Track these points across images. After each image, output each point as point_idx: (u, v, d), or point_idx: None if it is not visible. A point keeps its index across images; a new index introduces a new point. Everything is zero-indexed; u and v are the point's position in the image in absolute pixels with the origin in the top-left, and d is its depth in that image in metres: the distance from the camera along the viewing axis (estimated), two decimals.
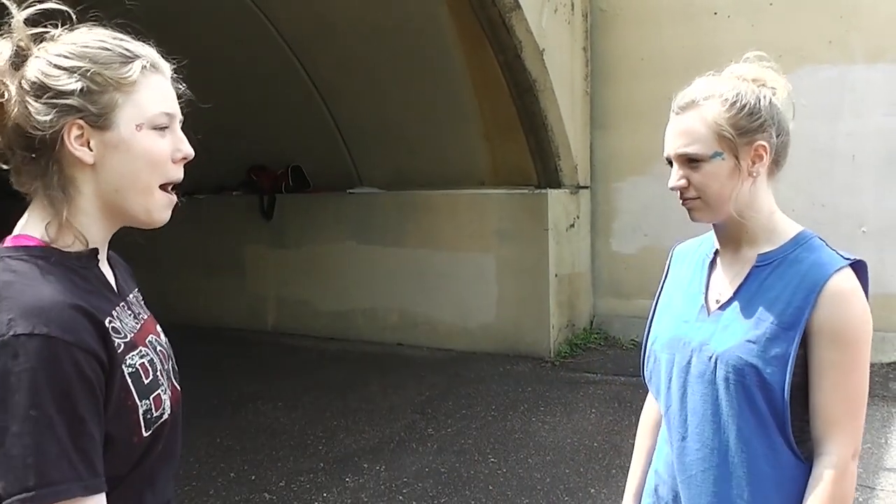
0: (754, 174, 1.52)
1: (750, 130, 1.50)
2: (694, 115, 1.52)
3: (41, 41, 1.19)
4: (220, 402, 6.00)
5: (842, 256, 1.50)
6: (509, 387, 6.13)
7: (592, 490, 4.23)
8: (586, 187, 7.46)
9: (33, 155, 1.17)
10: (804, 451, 1.49)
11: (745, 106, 1.50)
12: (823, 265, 1.47)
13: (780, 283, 1.50)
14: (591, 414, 5.46)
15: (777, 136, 1.53)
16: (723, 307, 1.57)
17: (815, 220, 6.49)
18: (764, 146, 1.51)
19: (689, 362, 1.58)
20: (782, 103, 1.56)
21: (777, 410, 1.46)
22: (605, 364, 6.67)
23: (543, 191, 6.92)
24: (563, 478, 4.41)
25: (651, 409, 1.86)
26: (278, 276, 8.46)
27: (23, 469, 1.02)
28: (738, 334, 1.51)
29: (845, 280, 1.46)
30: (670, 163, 1.57)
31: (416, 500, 4.19)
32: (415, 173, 7.51)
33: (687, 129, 1.52)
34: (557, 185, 7.03)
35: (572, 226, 7.22)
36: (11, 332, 1.04)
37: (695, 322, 1.60)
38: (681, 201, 1.56)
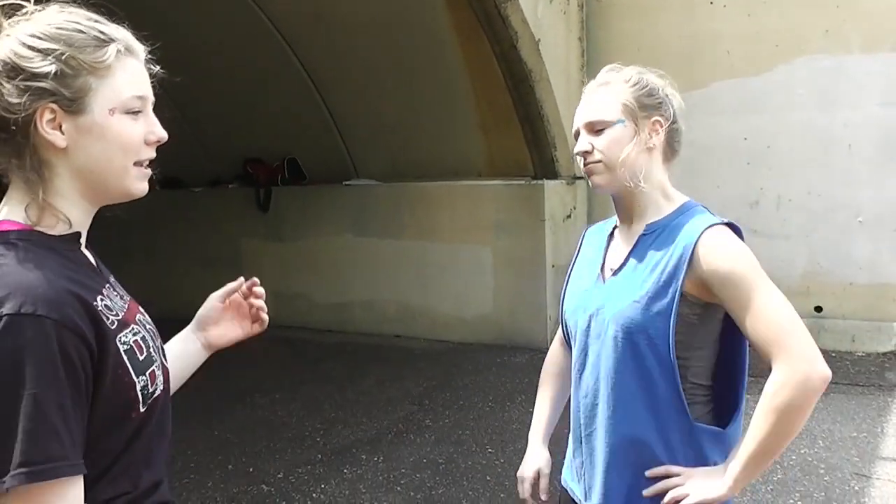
0: (650, 145, 1.69)
1: (649, 106, 1.69)
2: (604, 90, 1.72)
3: (11, 16, 1.17)
4: (217, 395, 5.99)
5: (719, 219, 1.64)
6: (506, 377, 6.14)
7: None
8: (582, 178, 7.41)
9: (5, 135, 1.15)
10: (694, 412, 1.62)
11: (646, 86, 1.71)
12: (696, 225, 1.61)
13: (664, 246, 1.64)
14: None
15: (671, 121, 1.72)
16: (614, 273, 1.73)
17: (812, 209, 6.51)
18: (660, 121, 1.70)
19: (588, 326, 1.73)
20: (677, 107, 1.75)
21: (665, 365, 1.60)
22: None
23: (540, 182, 6.92)
24: (561, 467, 4.41)
25: (554, 357, 2.05)
26: (275, 268, 8.45)
27: (11, 448, 1.03)
28: (625, 296, 1.65)
29: (715, 232, 1.59)
30: (577, 136, 1.74)
31: (413, 490, 4.20)
32: (411, 165, 7.50)
33: (598, 100, 1.72)
34: (554, 175, 7.02)
35: (569, 216, 7.22)
36: None
37: (592, 290, 1.76)
38: (583, 167, 1.73)
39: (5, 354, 1.04)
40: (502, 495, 4.11)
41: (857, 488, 4.00)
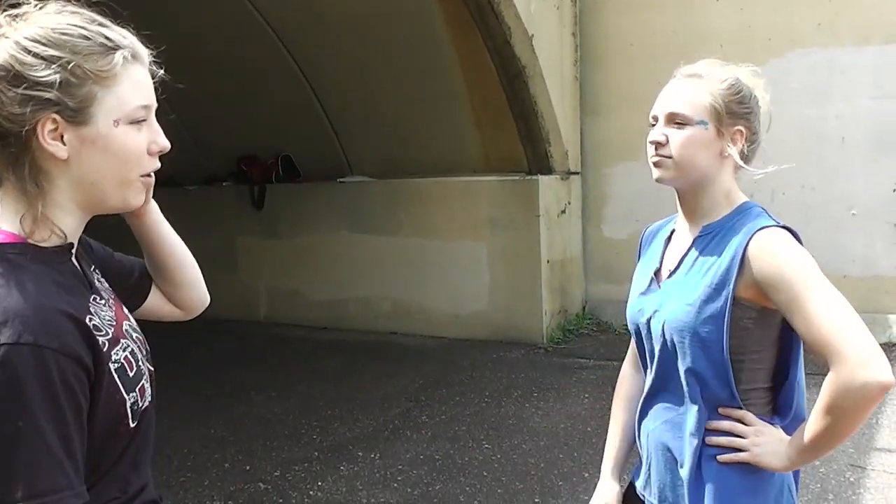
0: (726, 154, 1.63)
1: (736, 114, 1.62)
2: (695, 83, 1.64)
3: (4, 12, 1.12)
4: (213, 393, 6.00)
5: (774, 220, 1.59)
6: (502, 373, 6.15)
7: (587, 474, 4.26)
8: (577, 173, 7.46)
9: (4, 144, 1.11)
10: (750, 411, 1.60)
11: (740, 91, 1.63)
12: (749, 228, 1.57)
13: (718, 249, 1.60)
14: (584, 399, 5.48)
15: (753, 133, 1.65)
16: (670, 276, 1.70)
17: (805, 203, 6.53)
18: (742, 132, 1.63)
19: (648, 330, 1.71)
20: (763, 113, 1.69)
21: (718, 368, 1.57)
22: (597, 349, 6.70)
23: (534, 177, 6.92)
24: (557, 462, 4.43)
25: (623, 381, 1.98)
26: (270, 266, 8.45)
27: (14, 480, 1.01)
28: (679, 300, 1.62)
29: (768, 233, 1.54)
30: (655, 121, 1.67)
31: (410, 487, 4.20)
32: (405, 161, 7.50)
33: (685, 92, 1.63)
34: (548, 171, 7.03)
35: (563, 212, 7.22)
36: None
37: (648, 293, 1.74)
38: (653, 155, 1.66)
39: (6, 385, 1.01)
40: (499, 491, 4.11)
41: (852, 479, 4.01)
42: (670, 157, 1.63)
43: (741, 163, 1.64)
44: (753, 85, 1.67)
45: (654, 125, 1.67)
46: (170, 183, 8.71)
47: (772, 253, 1.52)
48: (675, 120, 1.62)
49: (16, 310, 1.04)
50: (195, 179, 8.76)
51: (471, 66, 6.68)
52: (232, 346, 7.55)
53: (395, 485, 4.24)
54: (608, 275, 7.54)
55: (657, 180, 1.67)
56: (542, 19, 6.64)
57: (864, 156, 6.44)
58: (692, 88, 1.63)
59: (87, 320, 1.13)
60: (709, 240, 1.64)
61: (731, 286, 1.54)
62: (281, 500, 4.12)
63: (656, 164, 1.65)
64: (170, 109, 1.31)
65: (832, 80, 6.47)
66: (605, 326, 7.36)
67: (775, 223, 1.58)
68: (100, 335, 1.14)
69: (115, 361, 1.16)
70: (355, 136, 7.78)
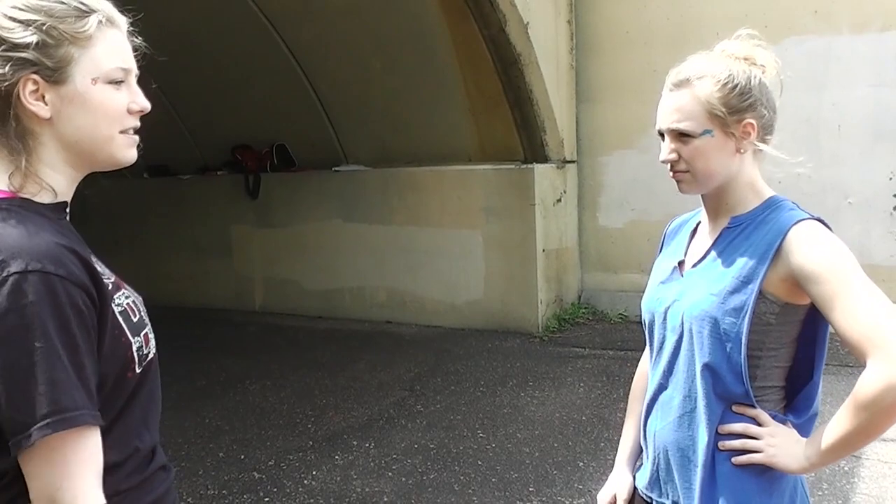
0: (742, 150, 1.59)
1: (740, 109, 1.56)
2: (687, 93, 1.58)
3: None
4: (208, 382, 5.99)
5: (808, 214, 1.56)
6: (498, 362, 6.15)
7: (581, 463, 4.26)
8: (573, 161, 7.44)
9: None
10: (764, 408, 1.57)
11: (736, 86, 1.56)
12: (784, 221, 1.54)
13: (747, 242, 1.57)
14: (579, 388, 5.48)
15: (764, 115, 1.60)
16: (693, 266, 1.67)
17: (801, 191, 6.50)
18: (752, 124, 1.58)
19: (664, 319, 1.68)
20: (770, 81, 1.62)
21: (734, 362, 1.54)
22: (592, 338, 6.70)
23: (530, 166, 6.90)
24: (552, 451, 4.43)
25: (641, 376, 1.93)
26: (265, 255, 8.43)
27: (37, 398, 1.06)
28: (702, 289, 1.60)
29: (805, 226, 1.52)
30: (662, 136, 1.64)
31: (405, 476, 4.20)
32: (400, 150, 7.47)
33: (680, 105, 1.59)
34: (544, 159, 7.01)
35: (559, 200, 7.20)
36: (5, 272, 1.07)
37: (669, 282, 1.72)
38: (671, 173, 1.64)
39: (18, 311, 1.06)
40: (494, 480, 4.11)
41: (847, 468, 4.02)
42: (687, 171, 1.60)
43: (761, 147, 1.61)
44: (748, 64, 1.61)
45: (662, 138, 1.65)
46: (164, 172, 8.69)
47: (812, 246, 1.48)
48: (680, 136, 1.59)
49: (19, 244, 1.10)
50: (190, 169, 8.73)
51: (466, 54, 6.65)
52: (227, 335, 7.54)
53: (390, 474, 4.24)
54: (604, 264, 7.53)
55: (683, 193, 1.65)
56: (538, 7, 6.60)
57: (860, 144, 6.43)
58: (686, 99, 1.58)
59: (92, 259, 1.20)
60: (738, 231, 1.60)
61: (760, 279, 1.51)
62: (275, 490, 4.12)
63: (678, 181, 1.63)
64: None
65: (829, 67, 6.45)
66: (600, 315, 7.35)
67: (810, 216, 1.55)
68: (104, 277, 1.20)
69: (118, 304, 1.22)
70: (350, 125, 7.75)
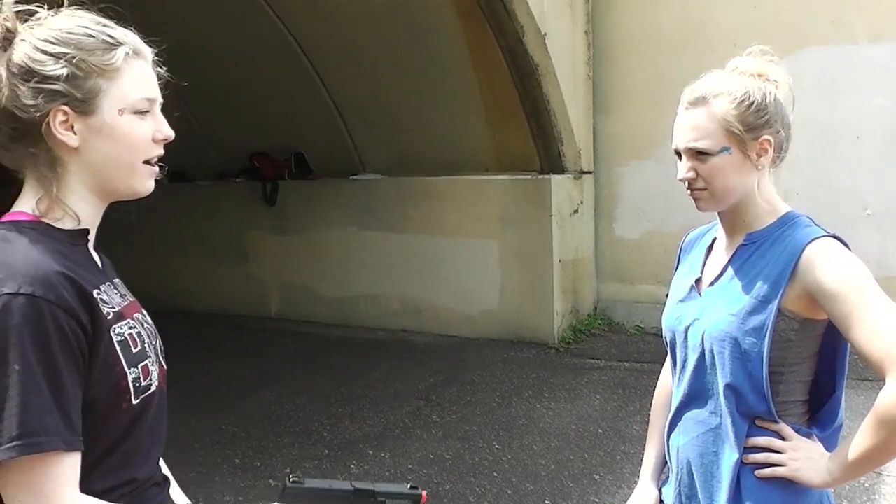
0: (759, 167, 1.59)
1: (756, 126, 1.56)
2: (703, 111, 1.58)
3: (25, 21, 1.23)
4: (224, 389, 6.01)
5: (824, 231, 1.56)
6: (513, 373, 6.13)
7: (597, 476, 4.24)
8: (589, 172, 7.42)
9: (20, 134, 1.22)
10: (787, 422, 1.57)
11: (752, 103, 1.56)
12: (801, 238, 1.54)
13: (763, 260, 1.57)
14: (595, 400, 5.46)
15: (780, 132, 1.60)
16: (711, 285, 1.68)
17: (818, 201, 6.47)
18: (769, 140, 1.58)
19: (685, 338, 1.69)
20: (784, 96, 1.62)
21: (756, 380, 1.54)
22: (608, 350, 6.67)
23: (546, 176, 6.90)
24: (568, 464, 4.41)
25: (662, 389, 1.93)
26: (281, 262, 8.46)
27: (7, 420, 1.07)
28: (721, 309, 1.60)
29: (821, 244, 1.51)
30: (678, 154, 1.64)
31: (420, 486, 4.19)
32: (417, 159, 7.49)
33: (696, 124, 1.59)
34: (560, 170, 7.00)
35: (576, 211, 7.19)
36: None
37: (687, 301, 1.72)
38: (688, 191, 1.64)
39: (3, 332, 1.08)
40: (509, 491, 4.10)
41: (867, 485, 3.98)
42: (705, 189, 1.60)
43: (777, 163, 1.62)
44: (762, 81, 1.61)
45: (678, 157, 1.65)
46: (183, 178, 8.75)
47: (829, 264, 1.48)
48: (697, 154, 1.59)
49: (18, 265, 1.13)
50: (208, 175, 8.78)
51: (483, 64, 6.67)
52: (242, 341, 7.57)
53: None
54: (620, 275, 7.50)
55: (701, 210, 1.65)
56: (555, 17, 6.61)
57: (878, 154, 6.39)
58: (702, 117, 1.58)
59: (94, 293, 1.21)
60: (754, 249, 1.61)
61: (779, 297, 1.51)
62: None
63: (696, 199, 1.63)
64: (178, 107, 1.35)
65: (846, 77, 6.41)
66: (616, 327, 7.33)
67: (826, 233, 1.54)
68: (105, 307, 1.22)
69: (118, 334, 1.23)
70: (367, 134, 7.78)
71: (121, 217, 1.39)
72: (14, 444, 1.06)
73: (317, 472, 4.41)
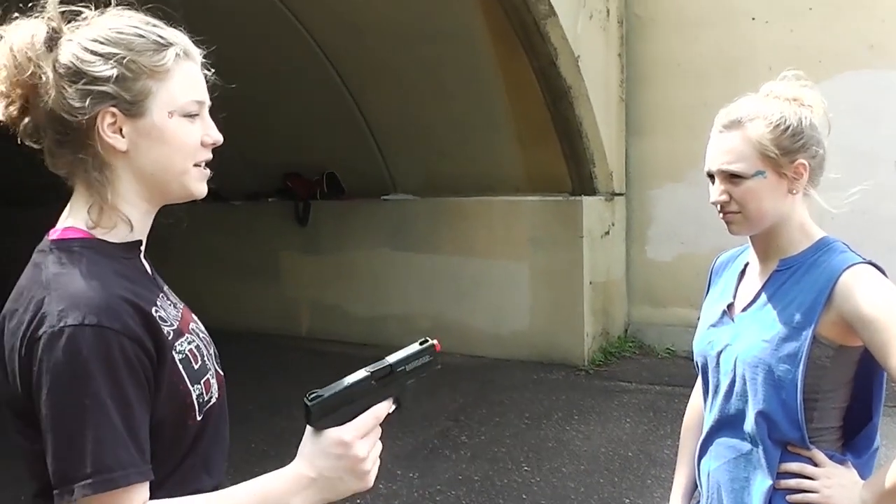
0: (794, 192, 1.59)
1: (792, 151, 1.56)
2: (738, 135, 1.57)
3: (70, 21, 1.20)
4: (254, 406, 6.04)
5: (860, 257, 1.54)
6: (543, 395, 6.10)
7: (627, 500, 4.19)
8: (621, 194, 7.40)
9: (67, 138, 1.18)
10: (821, 448, 1.55)
11: (788, 127, 1.56)
12: (836, 264, 1.52)
13: (797, 286, 1.56)
14: (625, 423, 5.40)
15: (816, 156, 1.59)
16: (744, 310, 1.66)
17: (856, 227, 6.33)
18: (804, 164, 1.57)
19: (717, 364, 1.67)
20: (819, 121, 1.62)
21: (789, 408, 1.52)
22: (639, 373, 6.61)
23: (578, 198, 6.88)
24: (598, 487, 4.37)
25: (692, 411, 1.92)
26: (312, 281, 8.51)
27: (82, 455, 1.05)
28: (754, 335, 1.58)
29: (858, 270, 1.50)
30: (711, 177, 1.63)
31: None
32: (449, 180, 7.51)
33: (731, 147, 1.58)
34: (592, 192, 6.98)
35: (607, 233, 7.16)
36: (63, 323, 1.07)
37: (720, 326, 1.71)
38: (721, 214, 1.62)
39: (71, 365, 1.06)
40: None
41: None
42: (739, 213, 1.59)
43: (811, 192, 1.60)
44: (797, 105, 1.60)
45: (711, 179, 1.63)
46: (216, 198, 8.86)
47: (866, 291, 1.46)
48: (731, 177, 1.58)
49: (80, 295, 1.10)
50: (241, 195, 8.88)
51: (515, 85, 6.69)
52: (273, 359, 7.61)
53: None
54: (651, 297, 7.44)
55: (733, 234, 1.64)
56: (589, 40, 6.62)
57: None
58: (737, 140, 1.57)
59: (153, 311, 1.19)
60: (788, 275, 1.59)
61: (814, 324, 1.49)
62: None
63: (728, 223, 1.62)
64: (224, 113, 1.35)
65: (884, 101, 6.34)
66: (647, 350, 7.26)
67: (862, 259, 1.53)
68: (164, 325, 1.19)
69: (180, 352, 1.21)
70: (399, 155, 7.83)
71: (163, 231, 1.36)
72: (89, 481, 1.04)
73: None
